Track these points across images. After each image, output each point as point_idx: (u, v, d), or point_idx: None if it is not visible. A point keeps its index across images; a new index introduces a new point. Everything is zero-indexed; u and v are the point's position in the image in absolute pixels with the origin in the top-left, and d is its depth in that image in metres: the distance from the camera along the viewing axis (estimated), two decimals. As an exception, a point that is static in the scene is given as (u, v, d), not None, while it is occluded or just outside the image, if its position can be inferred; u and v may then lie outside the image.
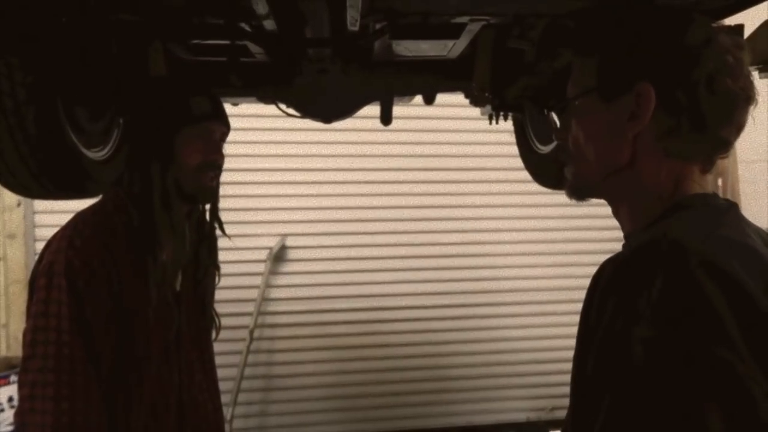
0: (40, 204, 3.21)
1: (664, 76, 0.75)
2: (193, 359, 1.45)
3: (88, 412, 1.17)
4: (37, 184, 1.36)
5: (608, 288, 0.71)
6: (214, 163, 1.35)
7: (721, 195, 3.05)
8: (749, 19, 1.11)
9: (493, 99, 1.53)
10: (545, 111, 1.49)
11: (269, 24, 0.95)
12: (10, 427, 3.04)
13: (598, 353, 0.68)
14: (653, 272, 0.65)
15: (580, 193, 0.91)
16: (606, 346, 0.68)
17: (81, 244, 1.21)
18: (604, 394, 0.67)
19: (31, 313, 1.20)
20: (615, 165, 0.81)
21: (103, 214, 1.30)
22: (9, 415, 3.04)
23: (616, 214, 0.87)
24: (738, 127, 0.79)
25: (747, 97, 0.77)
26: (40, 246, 3.22)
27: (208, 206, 1.47)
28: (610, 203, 0.87)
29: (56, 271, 1.18)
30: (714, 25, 0.80)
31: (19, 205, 3.21)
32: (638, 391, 0.64)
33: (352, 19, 0.93)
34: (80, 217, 1.30)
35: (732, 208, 0.80)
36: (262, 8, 0.86)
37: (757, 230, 0.81)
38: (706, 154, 0.79)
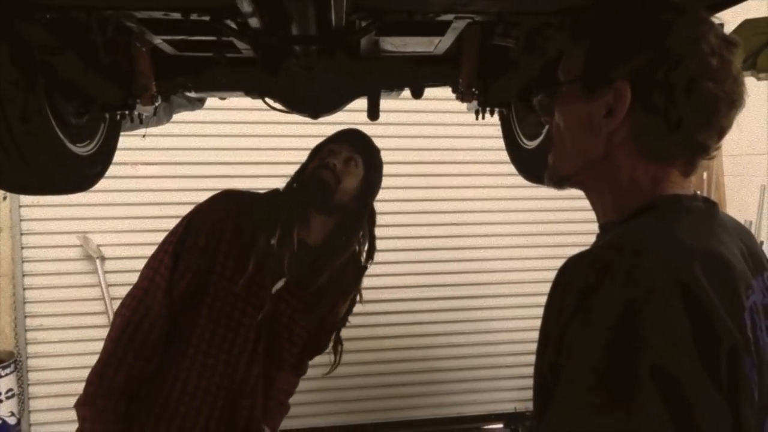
0: (26, 198, 3.19)
1: (642, 75, 0.74)
2: (269, 360, 1.54)
3: (151, 331, 1.38)
4: (21, 179, 1.36)
5: (569, 288, 0.69)
6: (328, 164, 1.53)
7: (705, 188, 3.06)
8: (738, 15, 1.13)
9: (479, 95, 1.54)
10: (535, 95, 1.49)
11: (254, 21, 0.95)
12: (6, 416, 3.05)
13: (557, 353, 0.67)
14: (614, 278, 0.64)
15: (556, 180, 0.89)
16: (562, 347, 0.67)
17: (215, 201, 1.51)
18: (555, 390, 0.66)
19: None
20: (589, 158, 0.81)
21: (254, 193, 1.62)
22: (6, 405, 3.05)
23: (592, 204, 0.86)
24: (720, 131, 0.76)
25: (731, 101, 0.74)
26: (26, 239, 3.23)
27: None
28: (586, 194, 0.87)
29: (189, 214, 1.49)
30: (708, 22, 0.76)
31: (5, 198, 3.19)
32: (588, 391, 0.62)
33: (338, 17, 0.93)
34: (239, 189, 1.61)
35: (708, 210, 0.78)
36: (246, 6, 0.86)
37: (737, 230, 0.80)
38: (684, 156, 0.77)
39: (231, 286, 1.44)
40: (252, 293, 1.46)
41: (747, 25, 1.09)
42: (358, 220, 1.60)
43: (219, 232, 1.45)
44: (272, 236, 1.46)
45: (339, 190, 1.50)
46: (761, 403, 0.67)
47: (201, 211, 1.49)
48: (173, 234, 1.47)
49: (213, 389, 1.43)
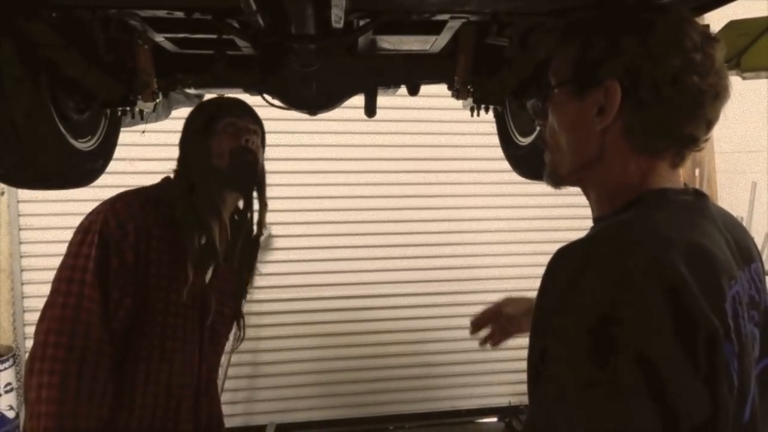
0: (24, 193, 3.21)
1: (630, 73, 0.77)
2: (212, 352, 1.49)
3: (97, 376, 1.19)
4: (25, 174, 1.38)
5: (556, 278, 0.72)
6: (248, 145, 1.44)
7: (697, 185, 3.13)
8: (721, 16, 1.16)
9: (474, 92, 1.57)
10: (527, 99, 1.53)
11: (255, 21, 0.97)
12: (5, 410, 3.06)
13: (546, 340, 0.70)
14: (597, 268, 0.67)
15: (555, 180, 0.92)
16: (550, 334, 0.70)
17: (120, 207, 1.29)
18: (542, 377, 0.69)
19: (59, 266, 1.25)
20: (585, 157, 0.84)
21: (153, 189, 1.41)
22: (4, 399, 3.07)
23: (588, 199, 0.89)
24: (708, 123, 0.79)
25: (715, 93, 0.77)
26: (24, 235, 3.25)
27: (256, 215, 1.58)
28: (582, 190, 0.90)
29: (92, 230, 1.25)
30: (690, 20, 0.80)
31: (2, 193, 3.20)
32: (573, 376, 0.65)
33: (336, 17, 0.96)
34: (132, 190, 1.40)
35: (696, 202, 0.81)
36: (249, 6, 0.88)
37: (726, 222, 0.82)
38: (674, 149, 0.80)
39: (170, 295, 1.33)
40: (195, 298, 1.38)
41: (732, 26, 1.13)
42: (261, 190, 1.59)
43: (145, 242, 1.29)
44: (206, 234, 1.37)
45: (259, 168, 1.49)
46: (741, 389, 0.70)
47: (109, 224, 1.26)
48: (82, 258, 1.23)
49: (173, 404, 1.36)
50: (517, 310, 1.27)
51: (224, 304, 1.51)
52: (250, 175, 1.46)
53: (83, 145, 1.50)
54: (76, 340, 1.17)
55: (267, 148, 3.72)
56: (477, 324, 1.34)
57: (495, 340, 1.34)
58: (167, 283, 1.32)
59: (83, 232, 1.26)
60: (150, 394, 1.31)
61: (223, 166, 1.41)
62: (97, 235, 1.24)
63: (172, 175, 1.50)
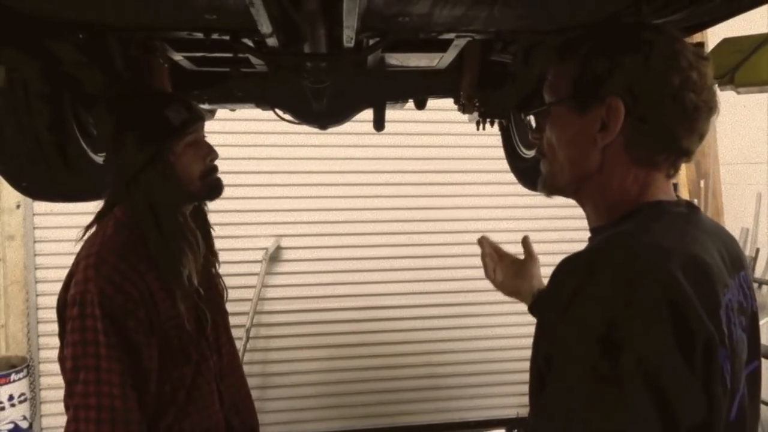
0: (39, 206, 3.27)
1: (631, 91, 0.80)
2: (223, 342, 1.49)
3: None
4: (49, 187, 1.44)
5: (562, 285, 0.75)
6: (213, 163, 1.39)
7: (703, 196, 3.16)
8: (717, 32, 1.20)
9: (479, 106, 1.62)
10: (527, 113, 1.58)
11: (271, 41, 1.03)
12: (10, 425, 3.10)
13: (550, 345, 0.74)
14: (602, 277, 0.71)
15: (550, 190, 0.95)
16: (555, 339, 0.73)
17: (108, 271, 1.21)
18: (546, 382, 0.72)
19: (68, 341, 1.22)
20: (585, 170, 0.86)
21: (123, 235, 1.29)
22: (9, 413, 3.10)
23: (584, 210, 0.93)
24: (700, 136, 0.83)
25: (709, 108, 0.81)
26: (39, 247, 3.31)
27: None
28: (578, 201, 0.93)
29: (88, 301, 1.19)
30: (682, 40, 0.84)
31: (18, 206, 3.27)
32: (578, 380, 0.68)
33: (348, 37, 1.01)
34: (99, 241, 1.28)
35: (690, 214, 0.85)
36: (266, 28, 0.93)
37: (717, 233, 0.86)
38: (670, 161, 0.84)
39: (177, 325, 1.31)
40: (192, 319, 1.37)
41: (725, 43, 1.18)
42: None
43: (147, 291, 1.26)
44: (188, 267, 1.34)
45: None
46: (732, 390, 0.73)
47: (106, 293, 1.20)
48: (90, 332, 1.19)
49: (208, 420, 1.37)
50: (509, 273, 1.47)
51: (212, 299, 1.48)
52: (220, 191, 1.41)
53: (102, 158, 1.55)
54: (102, 401, 1.18)
55: (278, 161, 3.77)
56: (485, 252, 1.54)
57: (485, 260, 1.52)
58: (170, 315, 1.30)
59: (78, 304, 1.20)
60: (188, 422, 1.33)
61: (195, 190, 1.36)
62: (98, 308, 1.18)
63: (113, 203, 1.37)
